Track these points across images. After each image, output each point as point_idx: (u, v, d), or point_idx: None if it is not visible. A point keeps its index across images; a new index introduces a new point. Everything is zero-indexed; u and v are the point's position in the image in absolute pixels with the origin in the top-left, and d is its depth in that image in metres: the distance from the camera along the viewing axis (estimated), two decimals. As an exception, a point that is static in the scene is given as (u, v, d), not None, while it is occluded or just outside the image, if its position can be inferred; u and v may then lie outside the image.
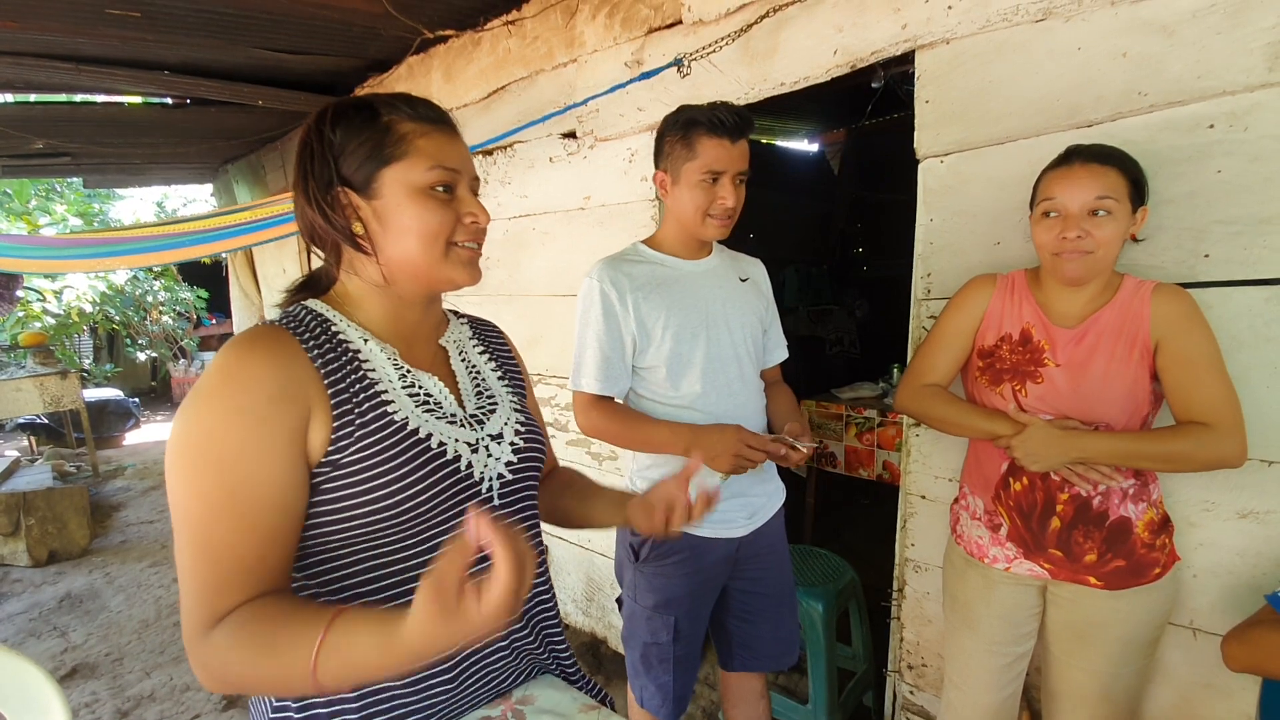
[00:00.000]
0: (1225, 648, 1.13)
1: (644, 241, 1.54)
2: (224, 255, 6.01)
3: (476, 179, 0.86)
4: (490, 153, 2.92)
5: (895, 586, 1.88)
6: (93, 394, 7.39)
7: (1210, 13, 1.29)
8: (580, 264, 2.63)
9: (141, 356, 9.72)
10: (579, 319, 1.46)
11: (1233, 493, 1.32)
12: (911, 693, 1.86)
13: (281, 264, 5.07)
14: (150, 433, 7.98)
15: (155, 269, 8.90)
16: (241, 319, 5.99)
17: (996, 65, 1.55)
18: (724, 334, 1.47)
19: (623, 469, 2.53)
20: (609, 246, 2.50)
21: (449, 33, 2.79)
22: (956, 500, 1.49)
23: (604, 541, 2.65)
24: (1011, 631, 1.37)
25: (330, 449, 0.71)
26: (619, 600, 1.63)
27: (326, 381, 0.73)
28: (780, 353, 1.65)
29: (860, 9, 1.75)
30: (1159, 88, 1.35)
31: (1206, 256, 1.32)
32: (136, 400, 8.02)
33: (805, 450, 1.33)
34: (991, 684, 1.40)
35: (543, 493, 1.04)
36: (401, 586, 0.76)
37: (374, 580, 0.76)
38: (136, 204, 10.52)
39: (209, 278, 9.61)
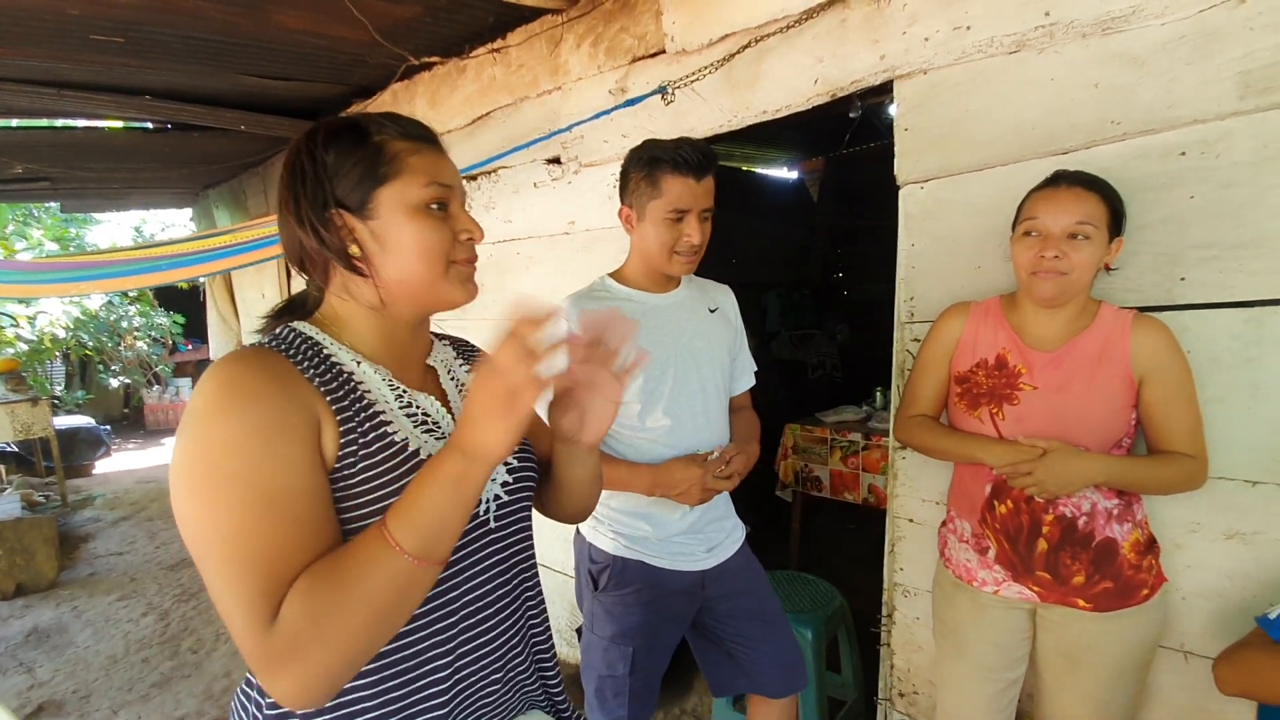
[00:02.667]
0: (1217, 671, 1.13)
1: (611, 275, 1.54)
2: (202, 280, 5.94)
3: (465, 195, 0.85)
4: (474, 178, 2.92)
5: (885, 612, 1.86)
6: (63, 421, 7.20)
7: (1179, 44, 1.33)
8: (564, 289, 2.60)
9: (114, 383, 9.52)
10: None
11: (1218, 514, 1.33)
12: (903, 721, 1.83)
13: (261, 288, 5.01)
14: (121, 461, 7.78)
15: (131, 294, 8.77)
16: (218, 344, 5.90)
17: (973, 95, 1.59)
18: (691, 368, 1.47)
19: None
20: (593, 271, 2.48)
21: (434, 60, 2.81)
22: (944, 523, 1.49)
23: (589, 569, 2.60)
24: (1003, 657, 1.36)
25: (337, 464, 0.70)
26: (579, 630, 1.60)
27: (329, 399, 0.72)
28: (747, 380, 1.65)
29: (840, 40, 1.79)
30: (1131, 117, 1.39)
31: (1183, 280, 1.35)
32: (108, 428, 7.83)
33: (715, 456, 1.41)
34: (984, 711, 1.38)
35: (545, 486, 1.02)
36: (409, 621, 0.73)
37: None
38: (114, 229, 10.40)
39: (185, 303, 9.47)
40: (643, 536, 1.47)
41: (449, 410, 0.86)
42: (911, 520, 1.78)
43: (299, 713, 0.71)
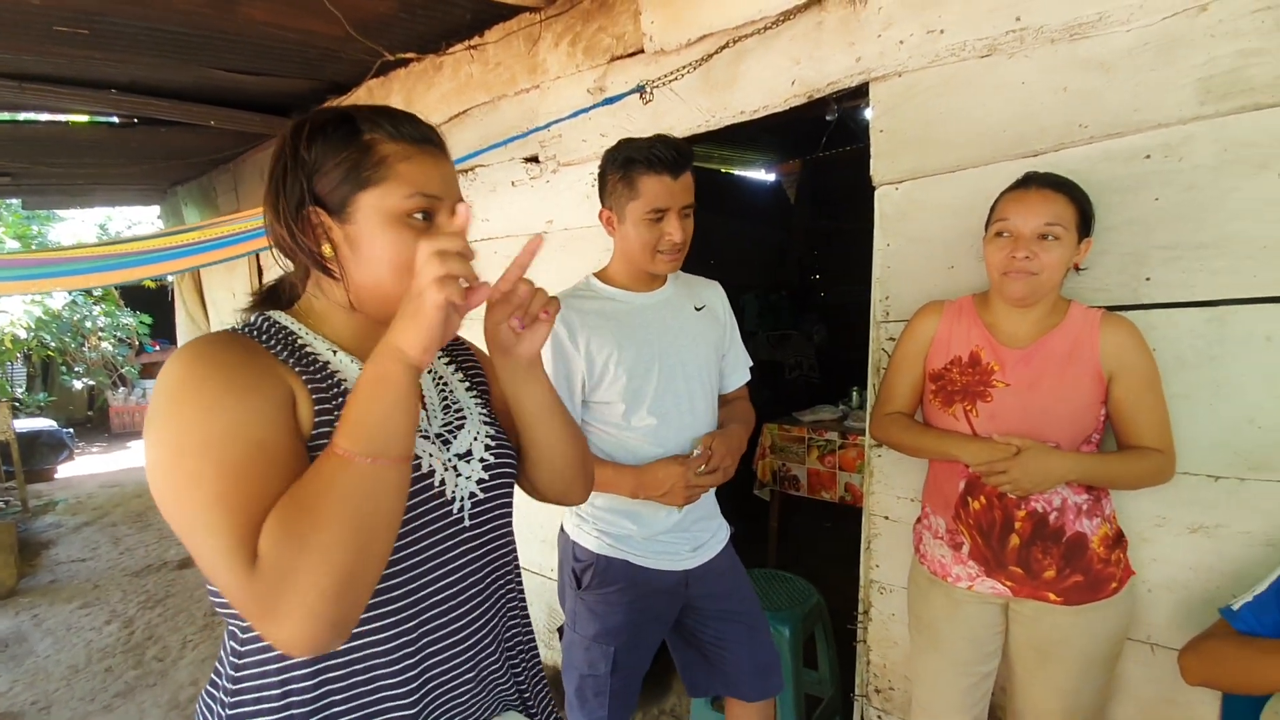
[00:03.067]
0: (1182, 661, 1.15)
1: (596, 275, 1.53)
2: (169, 278, 5.80)
3: (460, 202, 0.82)
4: (451, 176, 2.89)
5: (861, 609, 1.87)
6: (24, 424, 6.97)
7: (1143, 51, 1.36)
8: (544, 287, 2.61)
9: (78, 385, 9.24)
10: None
11: (1183, 508, 1.36)
12: (879, 717, 1.85)
13: (231, 287, 4.90)
14: (85, 465, 7.56)
15: (95, 292, 8.53)
16: (188, 345, 5.76)
17: (947, 97, 1.61)
18: (677, 366, 1.46)
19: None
20: (573, 271, 2.48)
21: (410, 56, 2.78)
22: (919, 520, 1.51)
23: (567, 570, 2.59)
24: (977, 650, 1.38)
25: (310, 444, 0.69)
26: (560, 630, 1.58)
27: (304, 378, 0.71)
28: (740, 375, 1.65)
29: (816, 43, 1.81)
30: (1098, 120, 1.42)
31: (1148, 280, 1.38)
32: (71, 431, 7.60)
33: (699, 453, 1.41)
34: (959, 705, 1.40)
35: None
36: (375, 618, 0.72)
37: None
38: (78, 226, 10.11)
39: (153, 302, 9.23)
40: (627, 535, 1.46)
41: (423, 406, 0.84)
42: (887, 517, 1.79)
43: (265, 701, 0.70)
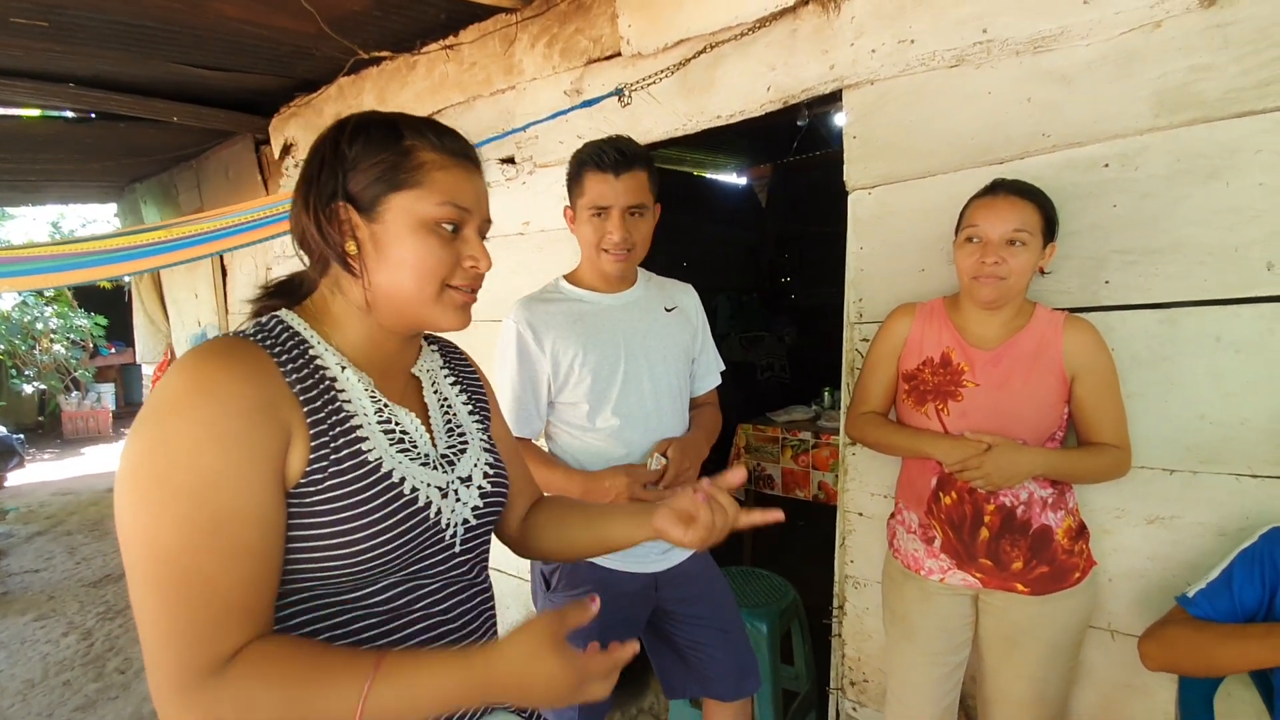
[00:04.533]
0: (1141, 647, 1.21)
1: (565, 277, 1.55)
2: (127, 279, 5.62)
3: (488, 221, 0.82)
4: (426, 177, 2.87)
5: (836, 603, 1.91)
6: (-31, 431, 6.68)
7: (1103, 64, 1.43)
8: (520, 289, 2.59)
9: (28, 389, 8.89)
10: (497, 359, 1.47)
11: (1140, 500, 1.43)
12: (854, 709, 1.89)
13: (193, 288, 4.77)
14: (36, 473, 7.27)
15: (47, 293, 8.22)
16: (146, 348, 5.58)
17: (917, 105, 1.66)
18: (643, 367, 1.47)
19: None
20: (549, 272, 2.48)
21: (384, 54, 2.75)
22: (893, 515, 1.55)
23: (544, 572, 2.59)
24: (948, 641, 1.42)
25: (302, 480, 0.67)
26: None
27: (306, 409, 0.69)
28: (711, 379, 1.66)
29: (791, 50, 1.85)
30: (1060, 130, 1.48)
31: (1107, 283, 1.44)
32: (21, 437, 7.28)
33: (656, 467, 1.41)
34: (931, 694, 1.44)
35: (536, 528, 1.01)
36: (355, 636, 0.72)
37: (324, 624, 0.71)
38: (29, 224, 9.73)
39: (108, 303, 8.94)
40: None
41: (428, 428, 0.84)
42: (861, 514, 1.84)
43: None
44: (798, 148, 5.13)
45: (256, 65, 2.93)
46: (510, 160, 2.59)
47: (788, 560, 3.68)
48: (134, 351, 5.97)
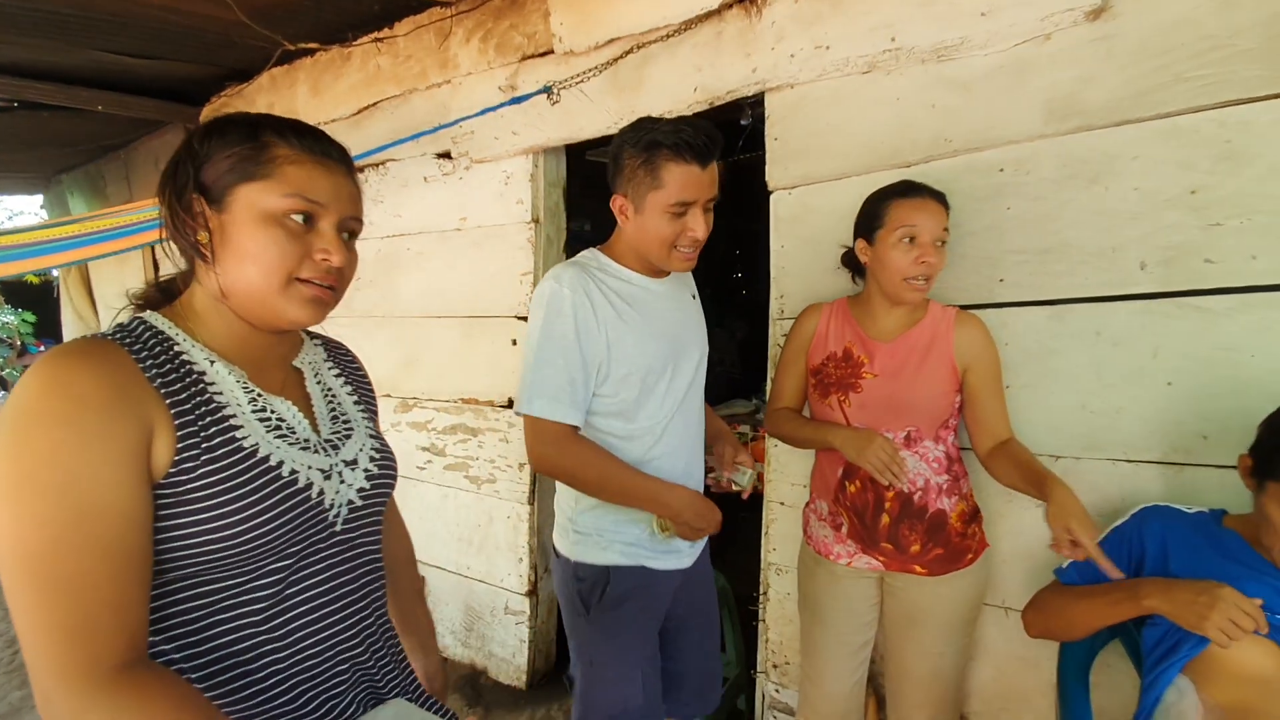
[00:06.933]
0: (1023, 617, 1.31)
1: (602, 251, 1.34)
2: (55, 272, 5.38)
3: (357, 220, 0.82)
4: (361, 169, 2.84)
5: (761, 590, 1.98)
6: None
7: (998, 74, 1.51)
8: (457, 285, 2.61)
9: (-52, 389, 8.43)
10: (540, 330, 1.22)
11: (1030, 485, 1.52)
12: (777, 690, 1.96)
13: (123, 282, 4.57)
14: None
15: (-32, 288, 7.80)
16: (76, 344, 5.36)
17: (833, 109, 1.73)
18: (685, 361, 1.34)
19: (500, 493, 2.50)
20: (487, 268, 2.51)
21: (311, 46, 2.70)
22: (807, 504, 1.62)
23: (483, 568, 2.60)
24: (855, 621, 1.49)
25: (172, 470, 0.67)
26: (568, 679, 1.43)
27: (168, 401, 0.68)
28: None
29: (716, 52, 1.89)
30: (960, 135, 1.56)
31: (1001, 281, 1.53)
32: (-60, 439, 6.91)
33: (746, 485, 1.34)
34: (839, 673, 1.51)
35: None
36: (238, 620, 0.72)
37: (207, 611, 0.72)
38: (-54, 214, 9.20)
39: (36, 299, 8.53)
40: (636, 538, 1.32)
41: (311, 415, 0.84)
42: (783, 503, 1.91)
43: None
44: (743, 146, 5.20)
45: (183, 53, 2.84)
46: (447, 155, 2.58)
47: (732, 551, 3.75)
48: (62, 348, 5.71)
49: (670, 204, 1.20)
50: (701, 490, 1.40)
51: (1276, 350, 1.26)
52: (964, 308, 1.47)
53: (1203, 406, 1.32)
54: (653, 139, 1.19)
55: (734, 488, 1.37)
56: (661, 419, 1.30)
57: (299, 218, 0.75)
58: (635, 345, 1.25)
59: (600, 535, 1.32)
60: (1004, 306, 1.52)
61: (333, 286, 0.79)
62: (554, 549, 1.40)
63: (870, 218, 1.41)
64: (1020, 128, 1.49)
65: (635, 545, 1.32)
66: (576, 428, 1.24)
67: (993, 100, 1.52)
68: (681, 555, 1.37)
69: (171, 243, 0.79)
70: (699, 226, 1.22)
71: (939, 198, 1.36)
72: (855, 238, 1.45)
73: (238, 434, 0.73)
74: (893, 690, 1.51)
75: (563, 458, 1.23)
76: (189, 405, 0.70)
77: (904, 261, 1.34)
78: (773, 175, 1.85)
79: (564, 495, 1.37)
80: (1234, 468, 1.14)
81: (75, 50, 2.69)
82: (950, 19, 1.54)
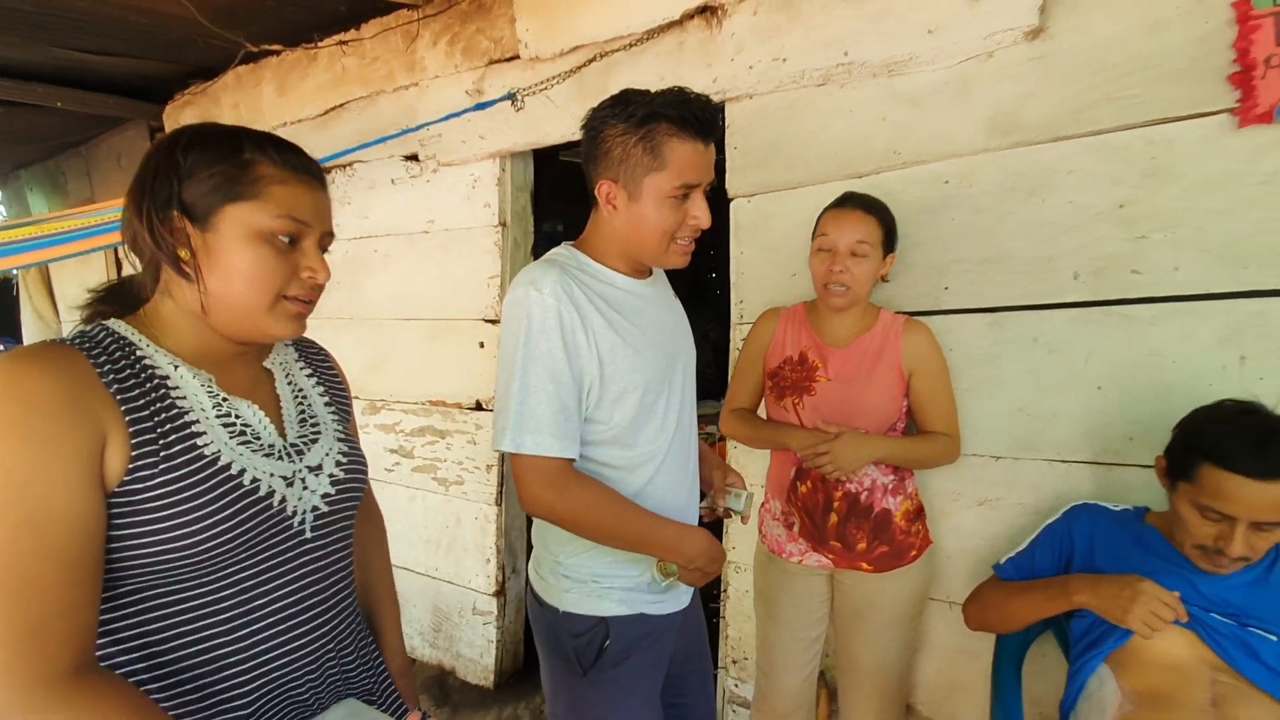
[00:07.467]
0: (963, 610, 1.37)
1: (577, 248, 1.16)
2: (14, 273, 5.25)
3: (331, 234, 0.83)
4: (328, 171, 2.83)
5: (722, 587, 2.03)
6: None
7: (945, 89, 1.57)
8: (424, 288, 2.62)
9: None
10: (522, 348, 1.03)
11: (973, 485, 1.59)
12: (736, 685, 2.01)
13: (84, 281, 4.49)
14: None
15: (-79, 285, 7.55)
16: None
17: (790, 120, 1.78)
18: (680, 375, 1.19)
19: (468, 495, 2.52)
20: (454, 271, 2.52)
21: (274, 48, 2.69)
22: (763, 504, 1.66)
23: (451, 569, 2.62)
24: (807, 617, 1.55)
25: (127, 478, 0.67)
26: None
27: (124, 408, 0.68)
28: None
29: (678, 61, 1.93)
30: (910, 148, 1.62)
31: (947, 289, 1.59)
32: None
33: (745, 510, 1.24)
34: (792, 667, 1.57)
35: None
36: (208, 628, 0.73)
37: (169, 618, 0.72)
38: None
39: (-5, 297, 8.29)
40: (636, 581, 1.15)
41: (279, 418, 0.85)
42: (742, 503, 1.95)
43: None
44: (719, 149, 5.24)
45: (145, 51, 2.81)
46: (414, 158, 2.58)
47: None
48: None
49: (674, 186, 1.04)
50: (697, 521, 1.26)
51: (1196, 357, 1.33)
52: (912, 314, 1.53)
53: (1129, 410, 1.40)
54: (651, 110, 1.02)
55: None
56: (664, 443, 1.13)
57: (286, 238, 0.76)
58: (630, 359, 1.08)
59: (596, 582, 1.14)
60: (949, 314, 1.59)
61: (312, 300, 0.82)
62: (535, 595, 1.20)
63: (814, 226, 1.48)
64: (964, 142, 1.55)
65: (634, 590, 1.15)
66: (573, 461, 1.06)
67: (939, 115, 1.58)
68: (680, 595, 1.22)
69: (137, 254, 0.78)
70: (704, 213, 1.08)
71: (870, 209, 1.41)
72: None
73: (199, 441, 0.73)
74: (843, 682, 1.56)
75: (564, 502, 1.04)
76: (147, 412, 0.70)
77: (821, 270, 1.41)
78: (732, 183, 1.90)
79: (552, 535, 1.17)
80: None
81: (33, 46, 2.65)
82: (899, 36, 1.59)
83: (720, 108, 1.93)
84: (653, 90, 1.07)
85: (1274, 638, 1.08)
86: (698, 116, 1.04)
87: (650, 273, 1.21)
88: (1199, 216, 1.32)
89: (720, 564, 1.15)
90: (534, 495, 1.04)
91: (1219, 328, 1.31)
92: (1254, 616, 1.10)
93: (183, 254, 0.74)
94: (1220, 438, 1.03)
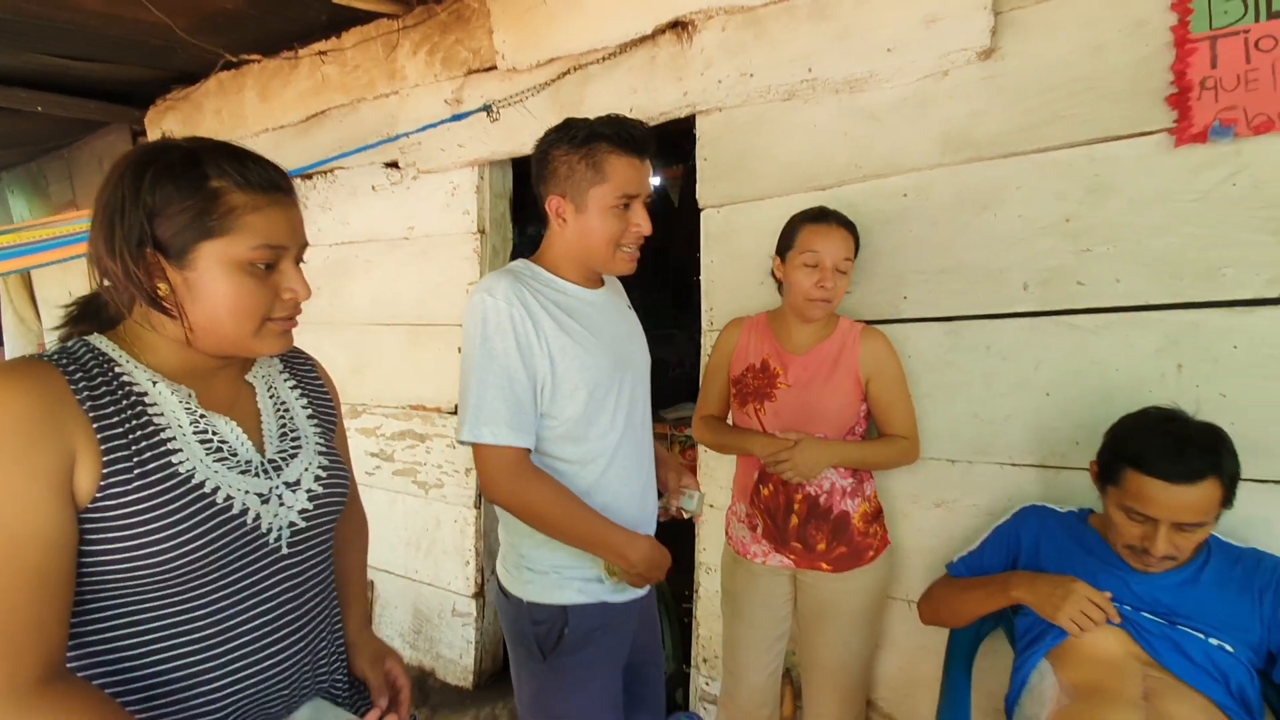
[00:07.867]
0: (917, 607, 1.43)
1: (533, 261, 1.26)
2: (-6, 274, 5.21)
3: (305, 245, 0.83)
4: (310, 177, 2.85)
5: (692, 588, 2.08)
6: None
7: (903, 105, 1.63)
8: (404, 293, 2.65)
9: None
10: (479, 348, 1.13)
11: (930, 487, 1.64)
12: (707, 683, 2.06)
13: (66, 285, 4.50)
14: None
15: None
16: (16, 348, 5.21)
17: (757, 133, 1.83)
18: (632, 377, 1.28)
19: (448, 498, 2.55)
20: (434, 277, 2.56)
21: (253, 58, 2.72)
22: (730, 507, 1.72)
23: (430, 572, 2.65)
24: (770, 616, 1.60)
25: (99, 495, 0.67)
26: None
27: (96, 425, 0.69)
28: None
29: (650, 75, 1.98)
30: (870, 162, 1.67)
31: (905, 298, 1.65)
32: None
33: (695, 509, 1.33)
34: (756, 665, 1.62)
35: None
36: (183, 645, 0.74)
37: (147, 635, 0.74)
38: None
39: (-24, 298, 8.21)
40: (594, 573, 1.23)
41: (258, 433, 0.85)
42: (712, 505, 2.00)
43: None
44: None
45: (127, 57, 2.82)
46: (395, 165, 2.62)
47: (677, 551, 3.85)
48: (2, 352, 5.55)
49: (616, 197, 1.17)
50: (655, 520, 1.34)
51: (1136, 364, 1.40)
52: (872, 323, 1.59)
53: (1075, 415, 1.46)
54: (591, 131, 1.16)
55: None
56: (614, 439, 1.22)
57: (264, 265, 0.77)
58: (580, 357, 1.17)
59: (557, 573, 1.22)
60: (907, 322, 1.64)
61: (294, 316, 0.83)
62: (500, 587, 1.29)
63: (785, 238, 1.52)
64: (921, 156, 1.61)
65: (592, 581, 1.23)
66: (529, 450, 1.16)
67: (898, 130, 1.64)
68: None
69: (110, 286, 0.76)
70: (644, 221, 1.20)
71: (847, 226, 1.47)
72: (775, 255, 1.55)
73: (174, 459, 0.74)
74: (806, 680, 1.62)
75: (520, 491, 1.14)
76: (122, 430, 0.71)
77: (806, 283, 1.45)
78: (702, 194, 1.95)
79: (514, 528, 1.25)
80: (1099, 471, 1.27)
81: (13, 52, 2.66)
82: (860, 53, 1.65)
83: (690, 120, 1.98)
84: (600, 115, 1.21)
85: (1202, 635, 1.14)
86: (633, 135, 1.18)
87: (602, 283, 1.32)
88: (1138, 231, 1.38)
89: (663, 571, 1.23)
90: (492, 482, 1.14)
91: (1157, 337, 1.38)
92: (1183, 615, 1.16)
93: (161, 289, 0.74)
94: (1141, 444, 1.09)
